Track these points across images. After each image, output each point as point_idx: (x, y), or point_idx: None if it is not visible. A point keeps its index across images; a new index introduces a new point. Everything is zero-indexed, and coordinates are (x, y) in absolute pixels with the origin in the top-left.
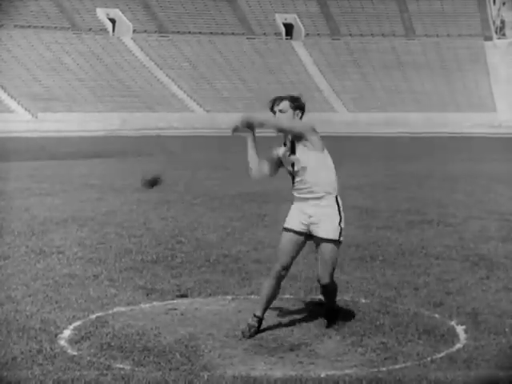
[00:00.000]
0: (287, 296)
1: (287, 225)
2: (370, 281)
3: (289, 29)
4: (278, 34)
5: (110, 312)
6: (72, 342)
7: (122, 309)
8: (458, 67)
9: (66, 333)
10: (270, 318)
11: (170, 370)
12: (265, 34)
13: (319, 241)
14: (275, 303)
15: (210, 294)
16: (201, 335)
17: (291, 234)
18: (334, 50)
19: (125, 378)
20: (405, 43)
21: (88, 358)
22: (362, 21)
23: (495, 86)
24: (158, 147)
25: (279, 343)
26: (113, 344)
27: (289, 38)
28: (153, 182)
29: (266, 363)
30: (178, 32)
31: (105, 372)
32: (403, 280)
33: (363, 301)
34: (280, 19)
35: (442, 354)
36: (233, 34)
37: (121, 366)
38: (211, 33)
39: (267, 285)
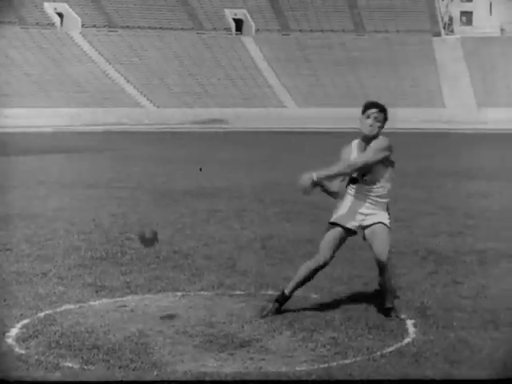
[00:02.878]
0: (238, 292)
1: (339, 221)
2: (321, 276)
3: (239, 24)
4: (227, 29)
5: (59, 310)
6: (20, 340)
7: (71, 306)
8: (407, 63)
9: (14, 331)
10: (221, 314)
11: (120, 367)
12: (215, 29)
13: (374, 226)
14: (226, 299)
15: (160, 291)
16: (151, 332)
17: (341, 230)
18: (284, 45)
19: (73, 377)
20: (354, 39)
21: (36, 357)
22: (311, 16)
23: (444, 81)
24: (108, 143)
25: (230, 339)
26: (61, 342)
27: (239, 33)
28: (153, 239)
29: (216, 360)
30: (128, 27)
31: (53, 371)
32: (354, 275)
33: (314, 296)
34: (230, 14)
35: (392, 349)
36: (182, 29)
37: (69, 364)
38: (161, 28)
39: (306, 269)
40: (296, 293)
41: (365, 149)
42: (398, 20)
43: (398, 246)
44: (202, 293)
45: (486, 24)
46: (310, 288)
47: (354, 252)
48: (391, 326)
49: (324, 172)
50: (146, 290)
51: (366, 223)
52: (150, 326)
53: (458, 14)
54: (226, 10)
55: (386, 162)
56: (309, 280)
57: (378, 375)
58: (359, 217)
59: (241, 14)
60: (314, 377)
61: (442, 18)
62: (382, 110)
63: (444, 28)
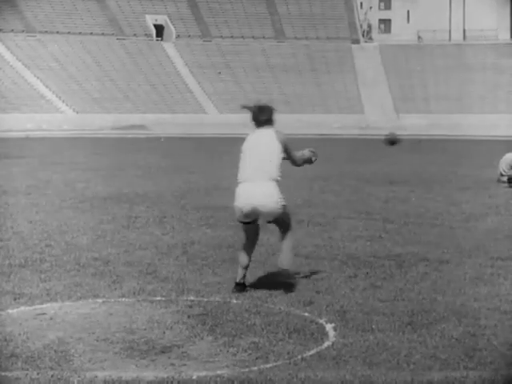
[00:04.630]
0: (158, 298)
1: None
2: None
3: (159, 30)
4: (148, 35)
5: None
6: None
7: None
8: (326, 70)
9: None
10: (141, 320)
11: (39, 374)
12: (135, 34)
13: None
14: (147, 306)
15: (81, 298)
16: (71, 339)
17: None
18: (205, 51)
19: None
20: (275, 46)
21: None
22: (232, 23)
23: (362, 88)
24: (27, 149)
25: (151, 346)
26: None
27: (159, 39)
28: (394, 141)
29: (137, 366)
30: (46, 32)
31: None
32: (274, 280)
33: (235, 301)
34: (150, 20)
35: (312, 352)
36: (103, 34)
37: None
38: (80, 33)
39: None
40: (216, 298)
41: None
42: (318, 27)
43: (317, 251)
44: (123, 299)
45: (403, 32)
46: (231, 293)
47: (274, 257)
48: (312, 329)
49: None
50: (66, 297)
51: None
52: (69, 334)
53: (377, 22)
54: (146, 15)
55: None
56: None
57: (298, 379)
58: None
59: (161, 19)
60: (234, 382)
61: (361, 26)
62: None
63: (363, 35)
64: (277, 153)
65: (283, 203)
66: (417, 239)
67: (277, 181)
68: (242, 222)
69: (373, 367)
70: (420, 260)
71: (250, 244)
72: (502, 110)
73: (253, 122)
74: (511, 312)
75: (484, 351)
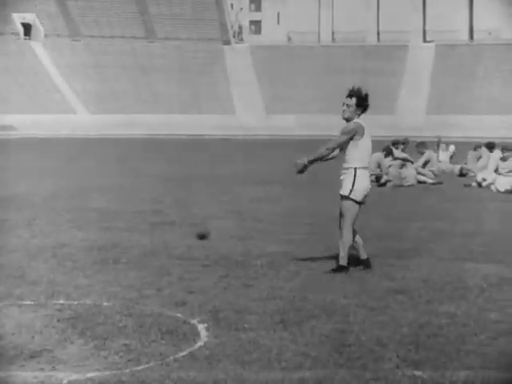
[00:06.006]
0: (27, 302)
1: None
2: (113, 283)
3: (27, 29)
4: (15, 33)
5: None
6: None
7: None
8: (198, 70)
9: None
10: (9, 325)
11: None
12: (2, 33)
13: None
14: (15, 310)
15: None
16: None
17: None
18: (75, 51)
19: None
20: (145, 46)
21: None
22: (102, 22)
23: (234, 89)
24: None
25: (19, 351)
26: None
27: (27, 38)
28: (203, 236)
29: (5, 371)
30: None
31: None
32: (146, 281)
33: (106, 304)
34: (18, 18)
35: (184, 353)
36: None
37: None
38: None
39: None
40: (87, 301)
41: None
42: (189, 28)
43: (189, 252)
44: None
45: (274, 33)
46: (102, 296)
47: (148, 258)
48: (184, 330)
49: (311, 157)
50: None
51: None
52: None
53: (248, 23)
54: (13, 14)
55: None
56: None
57: (170, 380)
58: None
59: (30, 18)
60: None
61: (232, 27)
62: (351, 95)
63: (234, 36)
64: None
65: None
66: (288, 238)
67: None
68: (358, 203)
69: (245, 366)
70: (291, 259)
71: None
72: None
73: (360, 109)
74: (378, 308)
75: (353, 347)
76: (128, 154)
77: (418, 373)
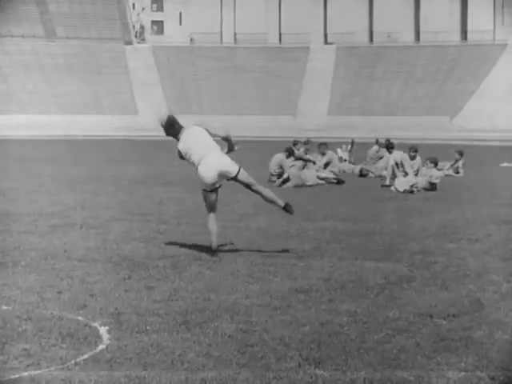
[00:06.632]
0: None
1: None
2: (12, 287)
3: None
4: None
5: None
6: None
7: None
8: (99, 71)
9: None
10: None
11: None
12: None
13: None
14: None
15: None
16: None
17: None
18: None
19: None
20: (45, 45)
21: None
22: (0, 22)
23: (136, 89)
24: None
25: None
26: None
27: None
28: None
29: None
30: None
31: None
32: (46, 284)
33: (4, 307)
34: None
35: (86, 356)
36: None
37: None
38: None
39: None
40: None
41: None
42: (90, 27)
43: (90, 254)
44: None
45: (176, 33)
46: (1, 299)
47: (48, 261)
48: (85, 333)
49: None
50: None
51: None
52: None
53: (150, 24)
54: None
55: None
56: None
57: None
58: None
59: None
60: None
61: (134, 27)
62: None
63: (136, 37)
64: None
65: None
66: (191, 239)
67: None
68: (206, 191)
69: (147, 368)
70: (194, 259)
71: None
72: (272, 112)
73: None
74: (281, 308)
75: (255, 347)
76: (28, 155)
77: (319, 372)
